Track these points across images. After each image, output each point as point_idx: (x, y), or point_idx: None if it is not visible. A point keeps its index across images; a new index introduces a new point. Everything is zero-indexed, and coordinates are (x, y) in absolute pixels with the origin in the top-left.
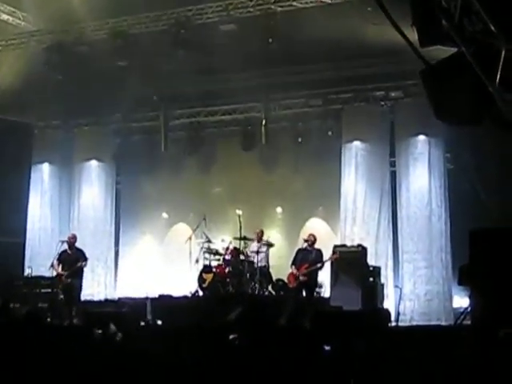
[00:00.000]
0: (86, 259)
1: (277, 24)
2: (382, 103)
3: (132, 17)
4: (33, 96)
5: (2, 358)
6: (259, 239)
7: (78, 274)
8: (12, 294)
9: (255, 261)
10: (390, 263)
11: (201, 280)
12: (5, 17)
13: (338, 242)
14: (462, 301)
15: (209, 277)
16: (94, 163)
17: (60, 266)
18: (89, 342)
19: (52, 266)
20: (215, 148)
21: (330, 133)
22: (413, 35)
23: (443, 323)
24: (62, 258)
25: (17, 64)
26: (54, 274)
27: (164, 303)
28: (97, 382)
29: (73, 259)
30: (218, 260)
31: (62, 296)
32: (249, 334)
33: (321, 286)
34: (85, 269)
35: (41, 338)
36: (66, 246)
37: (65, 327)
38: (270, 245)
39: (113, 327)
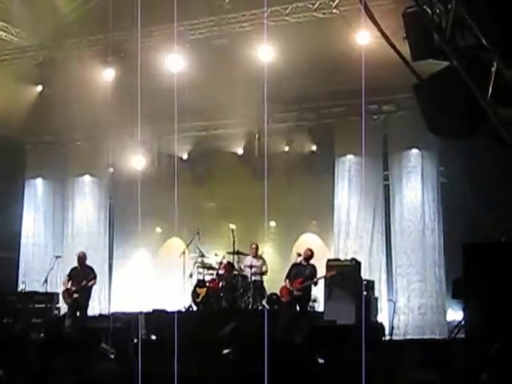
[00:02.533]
0: (95, 277)
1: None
2: (375, 117)
3: (124, 32)
4: (26, 112)
5: None
6: (255, 254)
7: (86, 292)
8: (5, 309)
9: (249, 275)
10: (384, 277)
11: (194, 295)
12: None
13: (332, 256)
14: (455, 314)
15: (202, 291)
16: (87, 178)
17: (69, 282)
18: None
19: (46, 281)
20: (209, 162)
21: (323, 147)
22: (405, 49)
23: (437, 337)
24: (72, 274)
25: (9, 79)
26: (63, 288)
27: (158, 318)
28: None
29: (82, 276)
30: (212, 274)
31: (55, 312)
32: (243, 349)
33: (314, 300)
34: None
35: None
36: (59, 261)
37: (59, 342)
38: (264, 262)
39: (104, 345)
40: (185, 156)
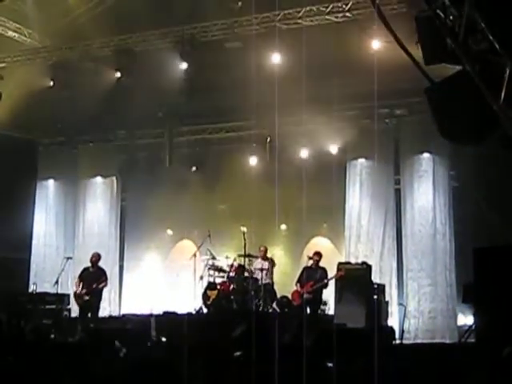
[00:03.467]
0: (105, 279)
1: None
2: (387, 121)
3: (137, 34)
4: (38, 113)
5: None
6: (263, 257)
7: (97, 293)
8: (16, 310)
9: (259, 278)
10: (395, 281)
11: (205, 297)
12: (11, 33)
13: (343, 260)
14: (466, 319)
15: (213, 294)
16: (98, 179)
17: (80, 284)
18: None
19: (57, 282)
20: (220, 165)
21: (334, 150)
22: (418, 53)
23: (447, 341)
24: (84, 275)
25: (22, 81)
26: (74, 290)
27: (168, 320)
28: None
29: (93, 277)
30: (223, 277)
31: (66, 313)
32: (253, 352)
33: (325, 304)
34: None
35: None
36: (70, 263)
37: (69, 344)
38: (273, 263)
39: (117, 344)
40: (196, 158)
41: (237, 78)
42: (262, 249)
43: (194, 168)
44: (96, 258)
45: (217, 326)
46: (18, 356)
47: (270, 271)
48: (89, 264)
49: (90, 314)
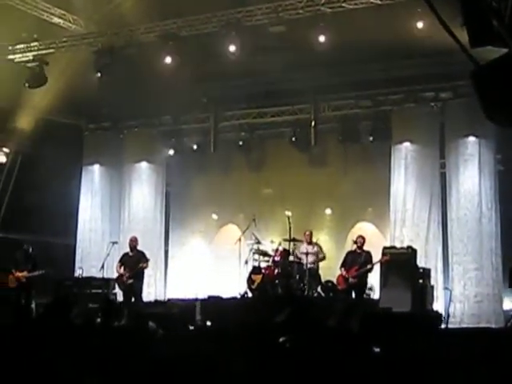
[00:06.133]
0: (147, 260)
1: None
2: (432, 104)
3: (182, 19)
4: (83, 98)
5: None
6: (309, 241)
7: (139, 276)
8: (63, 295)
9: (304, 262)
10: (440, 265)
11: (250, 281)
12: (56, 20)
13: (387, 244)
14: None
15: (258, 278)
16: (144, 165)
17: (122, 268)
18: (140, 342)
19: (102, 266)
20: (265, 149)
21: (379, 134)
22: (463, 35)
23: (493, 325)
24: (124, 259)
25: (68, 66)
26: (116, 275)
27: (213, 304)
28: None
29: (134, 261)
30: (267, 261)
31: (112, 297)
32: (298, 337)
33: (370, 288)
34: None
35: (93, 338)
36: (115, 247)
37: (116, 327)
38: (320, 249)
39: (152, 324)
40: (241, 143)
41: (281, 62)
42: (307, 233)
43: (238, 152)
44: (134, 241)
45: (261, 310)
46: (64, 340)
47: (316, 256)
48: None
49: (133, 298)
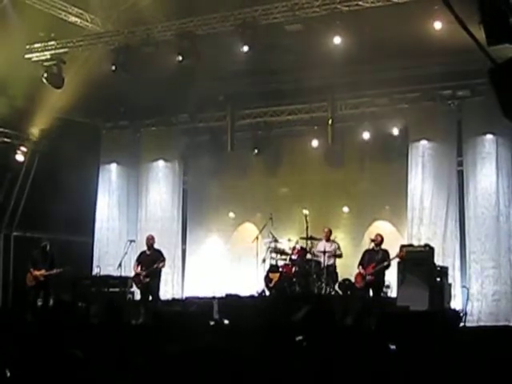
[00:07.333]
0: (163, 260)
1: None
2: (449, 102)
3: (198, 18)
4: (100, 97)
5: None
6: (327, 238)
7: (156, 274)
8: (80, 293)
9: (322, 260)
10: (457, 263)
11: (267, 280)
12: (73, 19)
13: (405, 242)
14: None
15: (275, 276)
16: (161, 163)
17: (139, 267)
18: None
19: (120, 265)
20: (282, 148)
21: (396, 132)
22: (480, 34)
23: (511, 324)
24: (141, 258)
25: (85, 65)
26: (133, 273)
27: (231, 303)
28: (162, 382)
29: (151, 260)
30: (285, 260)
31: (129, 296)
32: (315, 335)
33: (388, 286)
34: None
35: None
36: (133, 246)
37: (133, 326)
38: (338, 247)
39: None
40: (257, 141)
41: (298, 60)
42: (325, 230)
43: (255, 151)
44: (151, 240)
45: (279, 308)
46: (83, 338)
47: (334, 253)
48: None
49: (150, 297)
